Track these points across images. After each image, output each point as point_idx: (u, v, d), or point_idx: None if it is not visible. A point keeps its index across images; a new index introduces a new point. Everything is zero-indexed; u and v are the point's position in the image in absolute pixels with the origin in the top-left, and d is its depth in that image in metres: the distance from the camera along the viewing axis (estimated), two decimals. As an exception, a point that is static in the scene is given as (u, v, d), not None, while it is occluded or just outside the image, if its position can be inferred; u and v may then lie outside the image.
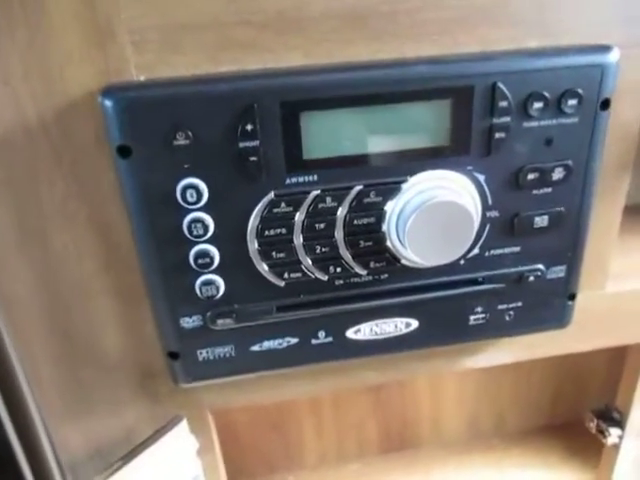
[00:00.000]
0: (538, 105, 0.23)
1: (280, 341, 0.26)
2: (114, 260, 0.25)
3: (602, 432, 0.38)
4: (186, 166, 0.21)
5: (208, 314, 0.24)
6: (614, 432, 0.37)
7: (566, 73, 0.23)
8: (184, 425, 0.29)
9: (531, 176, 0.24)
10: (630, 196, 0.46)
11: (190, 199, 0.22)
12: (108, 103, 0.20)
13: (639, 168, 0.46)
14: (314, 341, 0.26)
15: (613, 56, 0.23)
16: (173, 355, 0.25)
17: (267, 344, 0.26)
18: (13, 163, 0.22)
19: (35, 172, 0.23)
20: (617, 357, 0.41)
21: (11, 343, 0.26)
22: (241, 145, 0.21)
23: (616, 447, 0.38)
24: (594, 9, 0.24)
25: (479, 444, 0.56)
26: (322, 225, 0.23)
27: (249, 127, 0.21)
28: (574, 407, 0.55)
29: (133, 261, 0.24)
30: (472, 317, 0.27)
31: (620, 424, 0.37)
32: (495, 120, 0.23)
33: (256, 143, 0.21)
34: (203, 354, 0.25)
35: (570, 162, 0.24)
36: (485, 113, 0.22)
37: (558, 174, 0.24)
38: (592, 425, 0.39)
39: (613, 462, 0.39)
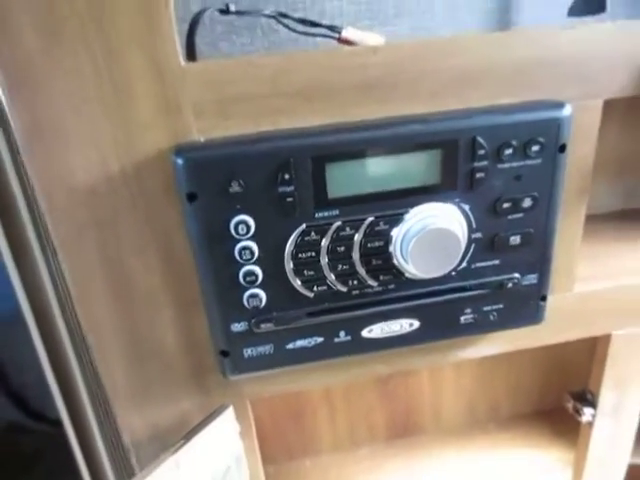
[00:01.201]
0: (509, 151, 0.29)
1: (309, 340, 0.32)
2: (177, 279, 0.31)
3: (578, 412, 0.45)
4: (238, 207, 0.28)
5: (253, 320, 0.30)
6: (587, 411, 0.44)
7: (530, 125, 0.29)
8: (230, 412, 0.35)
9: (506, 205, 0.30)
10: (601, 206, 0.53)
11: (241, 232, 0.28)
12: (179, 160, 0.27)
13: (612, 183, 0.53)
14: (336, 340, 0.32)
15: (566, 111, 0.29)
16: (224, 353, 0.32)
17: (299, 343, 0.32)
18: (99, 207, 0.29)
19: (116, 213, 0.29)
20: (593, 348, 0.47)
21: (93, 346, 0.32)
22: (280, 190, 0.28)
23: (590, 425, 0.45)
24: (553, 72, 0.30)
25: (475, 429, 0.63)
26: (342, 248, 0.29)
27: (286, 176, 0.27)
28: (559, 393, 0.61)
29: (192, 280, 0.31)
30: (462, 317, 0.33)
31: (593, 404, 0.44)
32: (476, 164, 0.29)
33: (292, 188, 0.28)
34: (248, 352, 0.32)
35: (536, 193, 0.30)
36: (468, 159, 0.29)
37: (527, 203, 0.31)
38: (569, 405, 0.45)
39: (588, 438, 0.46)
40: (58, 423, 0.66)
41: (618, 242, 0.47)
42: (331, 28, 0.36)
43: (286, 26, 0.36)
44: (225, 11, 0.33)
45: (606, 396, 0.43)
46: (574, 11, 0.40)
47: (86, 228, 0.29)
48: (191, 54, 0.31)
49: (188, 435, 0.34)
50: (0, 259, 0.40)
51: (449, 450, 0.61)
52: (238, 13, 0.34)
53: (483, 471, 0.58)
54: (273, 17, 0.35)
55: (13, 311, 0.60)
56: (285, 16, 0.36)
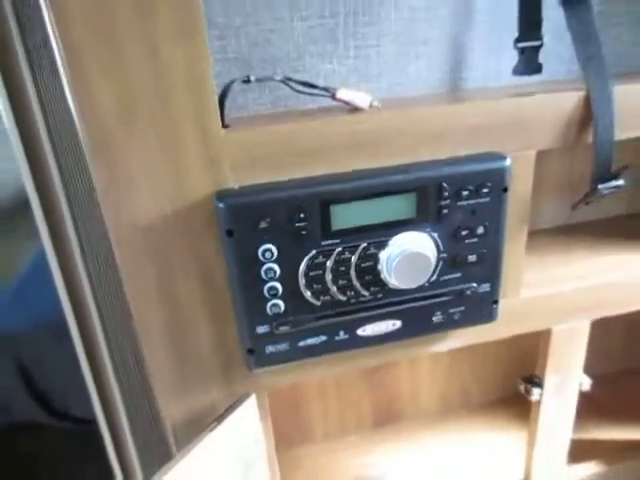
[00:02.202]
0: (466, 193, 0.39)
1: (317, 339, 0.41)
2: (214, 297, 0.39)
3: (528, 392, 0.55)
4: (265, 238, 0.37)
5: (274, 324, 0.39)
6: (536, 391, 0.54)
7: (481, 173, 0.39)
8: (252, 400, 0.44)
9: (464, 232, 0.40)
10: (548, 221, 0.63)
11: (267, 257, 0.37)
12: (220, 205, 0.35)
13: (557, 202, 0.63)
14: (337, 338, 0.41)
15: (507, 162, 0.39)
16: (250, 351, 0.40)
17: (309, 341, 0.41)
18: (156, 240, 0.37)
19: (168, 245, 0.37)
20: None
21: (145, 348, 0.40)
22: (296, 225, 0.37)
23: (538, 403, 0.55)
24: (497, 131, 0.40)
25: (449, 414, 0.73)
26: (342, 268, 0.39)
27: (301, 215, 0.36)
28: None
29: (225, 297, 0.39)
30: (434, 318, 0.43)
31: (540, 385, 0.54)
32: (441, 203, 0.39)
33: (305, 223, 0.37)
34: (269, 349, 0.40)
35: (487, 223, 0.40)
36: (435, 199, 0.38)
37: (480, 230, 0.40)
38: (522, 387, 0.56)
39: (537, 414, 0.56)
40: (81, 421, 0.74)
41: (559, 253, 0.58)
42: (326, 89, 0.45)
43: (291, 87, 0.45)
44: (247, 81, 0.42)
45: (550, 378, 0.54)
46: (517, 71, 0.50)
47: (144, 256, 0.37)
48: (221, 117, 0.39)
49: (219, 418, 0.42)
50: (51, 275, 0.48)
51: (426, 433, 0.71)
52: (257, 81, 0.43)
53: (455, 450, 0.68)
54: (282, 81, 0.45)
55: (51, 323, 0.68)
56: (290, 79, 0.45)
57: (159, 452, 0.56)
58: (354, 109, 0.44)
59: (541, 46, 0.48)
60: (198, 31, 0.32)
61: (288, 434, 0.69)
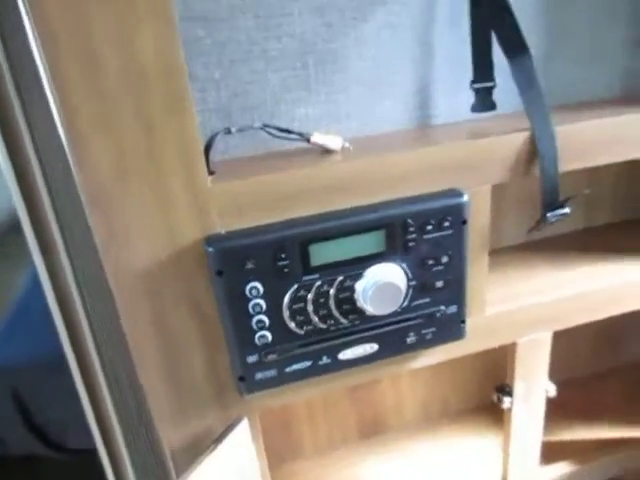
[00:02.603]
0: (429, 227, 0.43)
1: (302, 364, 0.45)
2: (205, 326, 0.43)
3: (500, 400, 0.59)
4: (251, 277, 0.41)
5: (262, 353, 0.43)
6: (507, 400, 0.59)
7: (442, 209, 0.43)
8: (245, 423, 0.47)
9: (430, 262, 0.45)
10: (507, 239, 0.68)
11: (253, 293, 0.41)
12: (210, 249, 0.39)
13: (517, 221, 0.68)
14: (320, 362, 0.45)
15: (465, 197, 0.44)
16: (241, 378, 0.44)
17: (294, 366, 0.45)
18: (151, 280, 0.41)
19: (162, 284, 0.41)
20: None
21: (141, 376, 0.44)
22: (279, 264, 0.41)
23: (509, 410, 0.60)
24: (455, 171, 0.45)
25: (430, 423, 0.77)
26: (322, 299, 0.43)
27: (283, 255, 0.41)
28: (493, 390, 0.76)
29: (216, 329, 0.43)
30: (407, 339, 0.47)
31: (510, 394, 0.59)
32: (408, 236, 0.43)
33: (287, 262, 0.41)
34: (258, 376, 0.44)
35: (450, 252, 0.45)
36: (402, 234, 0.43)
37: (445, 259, 0.45)
38: (495, 397, 0.60)
39: (510, 421, 0.61)
40: (78, 452, 0.76)
41: (521, 269, 0.63)
42: (301, 134, 0.49)
43: (270, 134, 0.49)
44: (228, 132, 0.46)
45: (518, 387, 0.58)
46: (474, 108, 0.56)
47: (141, 296, 0.41)
48: (207, 165, 0.43)
49: (215, 442, 0.46)
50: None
51: (410, 442, 0.75)
52: (238, 131, 0.47)
53: (437, 456, 0.72)
54: (261, 128, 0.49)
55: (47, 355, 0.70)
56: (268, 126, 0.49)
57: (159, 477, 0.58)
58: (327, 151, 0.49)
59: (494, 87, 0.53)
60: (186, 105, 0.37)
61: (279, 451, 0.73)
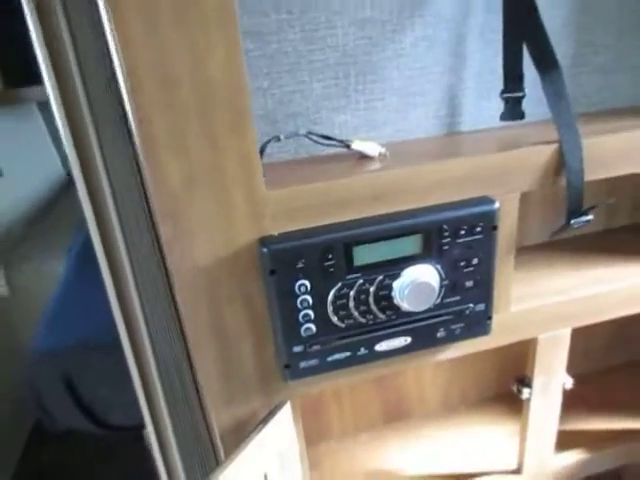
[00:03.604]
0: (462, 232, 0.47)
1: (342, 354, 0.49)
2: (255, 319, 0.48)
3: (519, 391, 0.63)
4: (300, 275, 0.45)
5: (307, 344, 0.47)
6: (526, 391, 0.63)
7: (474, 216, 0.47)
8: (288, 406, 0.52)
9: (462, 263, 0.48)
10: (531, 238, 0.71)
11: (302, 290, 0.45)
12: (264, 249, 0.44)
13: (542, 221, 0.71)
14: (358, 353, 0.50)
15: (496, 205, 0.48)
16: (287, 366, 0.48)
17: (335, 356, 0.49)
18: (209, 277, 0.45)
19: (219, 280, 0.45)
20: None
21: (196, 364, 0.48)
22: (326, 264, 0.45)
23: (528, 400, 0.64)
24: (486, 180, 0.49)
25: (450, 411, 0.81)
26: (363, 296, 0.47)
27: (329, 256, 0.45)
28: (512, 380, 0.80)
29: (265, 322, 0.47)
30: (438, 333, 0.51)
31: (529, 385, 0.63)
32: (442, 240, 0.47)
33: (333, 262, 0.45)
34: (303, 364, 0.49)
35: (481, 255, 0.49)
36: (438, 238, 0.47)
37: (475, 261, 0.49)
38: (514, 388, 0.64)
39: (528, 411, 0.65)
40: (118, 428, 0.81)
41: (543, 268, 0.66)
42: (342, 142, 0.53)
43: (313, 141, 0.53)
44: (278, 139, 0.50)
45: (537, 379, 0.62)
46: (503, 117, 0.59)
47: (201, 290, 0.45)
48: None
49: (262, 422, 0.51)
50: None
51: (430, 428, 0.79)
52: (286, 138, 0.51)
53: (456, 443, 0.77)
54: (306, 136, 0.53)
55: (94, 340, 0.75)
56: (312, 134, 0.53)
57: (207, 455, 0.63)
58: (365, 156, 0.53)
59: (523, 97, 0.56)
60: (248, 123, 0.40)
61: (308, 434, 0.77)
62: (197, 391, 0.56)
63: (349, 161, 0.52)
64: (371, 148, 0.53)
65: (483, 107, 0.60)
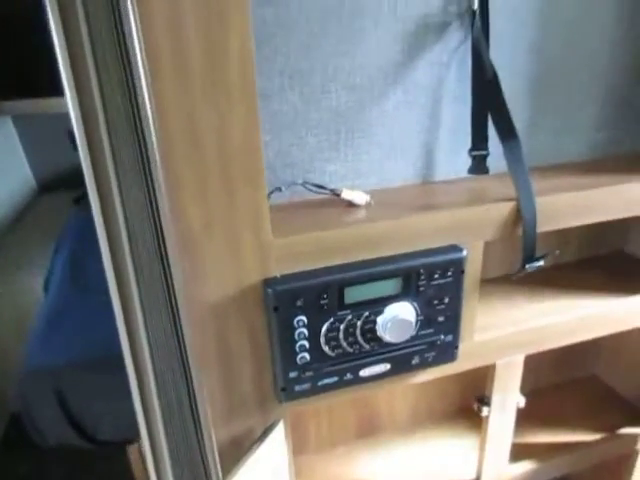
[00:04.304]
0: (436, 275, 0.55)
1: (331, 379, 0.56)
2: (257, 347, 0.54)
3: (479, 409, 0.72)
4: (299, 311, 0.52)
5: (301, 370, 0.54)
6: (485, 409, 0.72)
7: (446, 262, 0.56)
8: (281, 425, 0.58)
9: (435, 302, 0.57)
10: (492, 272, 0.81)
11: (300, 324, 0.52)
12: (268, 290, 0.50)
13: (502, 256, 0.81)
14: (345, 378, 0.57)
15: (464, 252, 0.56)
16: (283, 389, 0.55)
17: (325, 381, 0.56)
18: (218, 310, 0.51)
19: (227, 314, 0.52)
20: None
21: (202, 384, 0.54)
22: (321, 302, 0.52)
23: (487, 418, 0.73)
24: (457, 230, 0.57)
25: (417, 425, 0.89)
26: (351, 329, 0.54)
27: (324, 295, 0.52)
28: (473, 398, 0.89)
29: (266, 348, 0.54)
30: (413, 361, 0.59)
31: (488, 404, 0.72)
32: (419, 282, 0.55)
33: (327, 300, 0.52)
34: (297, 388, 0.55)
35: (450, 294, 0.57)
36: (415, 280, 0.55)
37: (446, 300, 0.57)
38: (475, 406, 0.73)
39: (487, 427, 0.73)
40: (106, 443, 0.85)
41: (503, 300, 0.75)
42: (333, 191, 0.61)
43: (309, 189, 0.60)
44: (280, 189, 0.57)
45: (495, 399, 0.71)
46: (471, 171, 0.68)
47: (209, 320, 0.51)
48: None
49: (259, 440, 0.57)
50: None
51: (400, 442, 0.87)
52: (286, 189, 0.58)
53: (423, 454, 0.85)
54: (302, 185, 0.60)
55: (87, 356, 0.79)
56: (308, 183, 0.60)
57: (205, 473, 0.69)
58: (352, 204, 0.60)
59: (487, 155, 0.66)
60: (260, 177, 0.47)
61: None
62: (194, 411, 0.61)
63: (338, 208, 0.60)
64: (358, 197, 0.61)
65: (454, 161, 0.69)
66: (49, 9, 0.42)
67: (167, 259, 0.54)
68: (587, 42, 0.69)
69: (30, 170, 2.20)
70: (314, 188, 0.61)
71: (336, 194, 0.61)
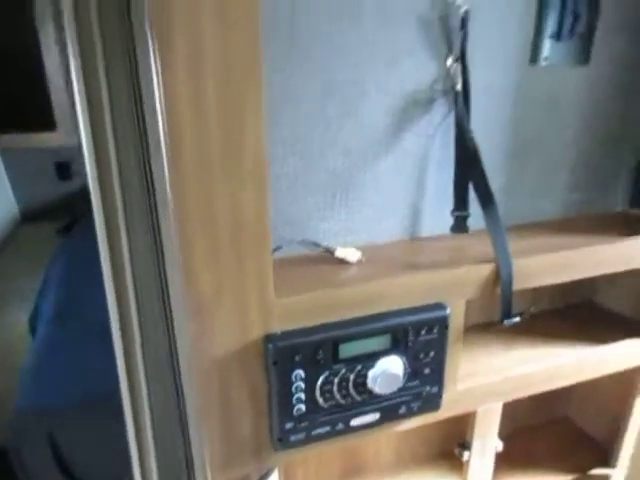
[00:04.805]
0: (422, 331, 0.60)
1: (324, 429, 0.60)
2: (255, 399, 0.57)
3: (461, 454, 0.76)
4: (297, 366, 0.55)
5: (297, 421, 0.58)
6: (466, 453, 0.76)
7: (431, 319, 0.60)
8: (276, 473, 0.61)
9: (422, 355, 0.61)
10: (472, 320, 0.86)
11: (297, 377, 0.56)
12: (269, 345, 0.54)
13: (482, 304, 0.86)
14: (337, 427, 0.60)
15: (448, 310, 0.61)
16: (279, 439, 0.58)
17: (318, 430, 0.60)
18: (221, 363, 0.55)
19: (230, 366, 0.55)
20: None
21: (200, 432, 0.57)
22: (317, 357, 0.56)
23: (468, 462, 0.76)
24: (442, 288, 0.62)
25: (401, 467, 0.92)
26: (344, 382, 0.58)
27: (320, 351, 0.56)
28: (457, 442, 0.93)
29: (264, 399, 0.57)
30: (400, 410, 0.63)
31: (469, 448, 0.76)
32: (408, 338, 0.60)
33: (323, 355, 0.56)
34: (292, 437, 0.59)
35: (436, 348, 0.62)
36: (404, 336, 0.59)
37: (432, 353, 0.62)
38: (456, 450, 0.77)
39: (467, 470, 0.77)
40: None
41: (483, 347, 0.80)
42: (328, 249, 0.66)
43: (306, 247, 0.65)
44: (280, 248, 0.62)
45: (475, 444, 0.75)
46: (453, 230, 0.74)
47: (214, 371, 0.55)
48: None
49: (252, 487, 0.60)
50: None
51: (384, 483, 0.90)
52: (286, 247, 0.63)
53: (406, 497, 0.88)
54: (299, 243, 0.65)
55: (79, 401, 0.80)
56: (305, 241, 0.65)
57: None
58: (344, 261, 0.65)
59: (468, 216, 0.72)
60: (266, 248, 0.52)
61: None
62: (189, 468, 0.64)
63: (332, 265, 0.65)
64: (351, 254, 0.66)
65: (438, 220, 0.75)
66: (78, 100, 0.46)
67: (172, 322, 0.58)
68: (559, 117, 0.76)
69: (14, 199, 2.21)
70: (311, 246, 0.65)
71: (330, 252, 0.66)
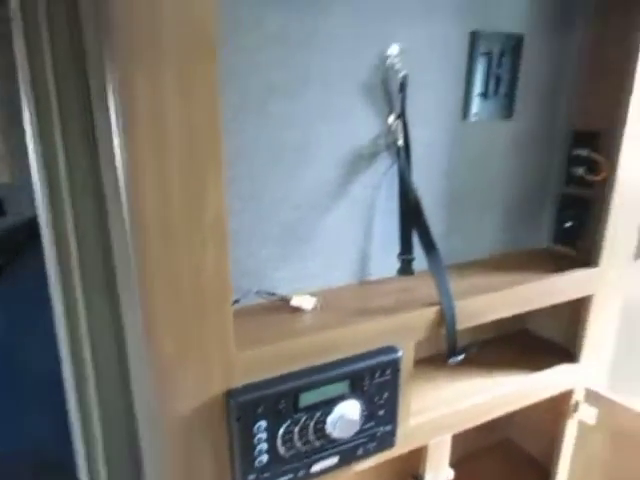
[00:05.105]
0: (377, 374, 0.63)
1: (285, 477, 0.61)
2: (218, 452, 0.58)
3: (415, 487, 0.80)
4: (260, 417, 0.57)
5: (259, 472, 0.59)
6: (419, 486, 0.79)
7: (385, 362, 0.64)
8: (238, 523, 0.61)
9: (376, 398, 0.64)
10: (421, 352, 0.90)
11: (260, 429, 0.57)
12: (231, 400, 0.55)
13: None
14: (298, 474, 0.62)
15: (399, 353, 0.65)
16: (242, 490, 0.59)
17: (281, 479, 0.61)
18: (185, 420, 0.55)
19: (193, 422, 0.56)
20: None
21: None
22: (279, 407, 0.58)
23: (421, 494, 0.80)
24: (393, 334, 0.66)
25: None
26: (304, 430, 0.60)
27: (282, 401, 0.58)
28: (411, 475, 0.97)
29: (226, 452, 0.58)
30: (358, 452, 0.66)
31: (422, 481, 0.79)
32: (363, 383, 0.63)
33: (284, 405, 0.58)
34: (255, 488, 0.60)
35: (390, 390, 0.65)
36: (361, 381, 0.62)
37: (386, 395, 0.65)
38: (411, 485, 0.80)
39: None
40: None
41: (431, 381, 0.85)
42: (283, 298, 0.68)
43: (262, 297, 0.67)
44: (237, 301, 0.63)
45: (428, 475, 0.79)
46: (400, 272, 0.79)
47: (176, 430, 0.55)
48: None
49: (216, 542, 0.59)
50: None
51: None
52: (243, 299, 0.65)
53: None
54: (256, 293, 0.67)
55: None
56: (260, 291, 0.67)
57: None
58: (299, 309, 0.68)
59: (413, 260, 0.77)
60: (227, 304, 0.54)
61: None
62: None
63: (288, 313, 0.67)
64: (306, 302, 0.69)
65: (385, 263, 0.79)
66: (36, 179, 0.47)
67: (129, 383, 0.58)
68: (488, 170, 0.84)
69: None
70: (267, 296, 0.68)
71: (286, 301, 0.68)
